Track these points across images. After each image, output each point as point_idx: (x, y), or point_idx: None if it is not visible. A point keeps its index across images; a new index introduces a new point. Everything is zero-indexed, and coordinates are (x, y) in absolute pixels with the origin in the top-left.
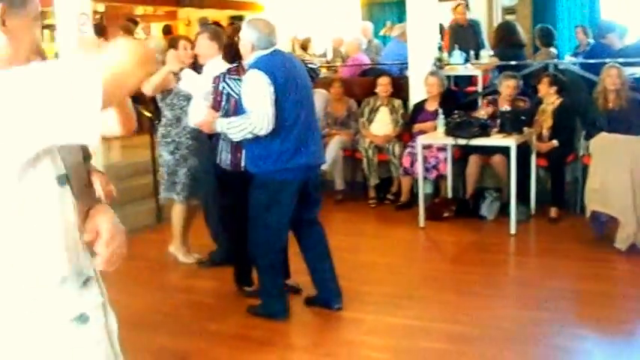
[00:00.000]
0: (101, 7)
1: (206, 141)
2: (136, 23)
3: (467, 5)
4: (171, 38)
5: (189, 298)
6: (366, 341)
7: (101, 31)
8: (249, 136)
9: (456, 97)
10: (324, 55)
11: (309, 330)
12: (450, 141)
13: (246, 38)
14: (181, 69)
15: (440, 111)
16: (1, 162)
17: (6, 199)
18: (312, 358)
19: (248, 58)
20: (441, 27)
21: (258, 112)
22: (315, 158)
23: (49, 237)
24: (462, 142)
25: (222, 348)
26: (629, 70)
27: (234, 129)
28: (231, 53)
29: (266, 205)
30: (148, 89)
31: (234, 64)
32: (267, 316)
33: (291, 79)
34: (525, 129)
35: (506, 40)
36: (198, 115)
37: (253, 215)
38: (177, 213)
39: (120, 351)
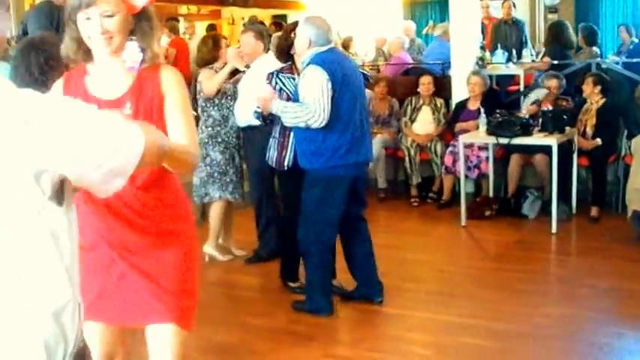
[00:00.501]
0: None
1: (258, 139)
2: (177, 21)
3: (513, 3)
4: (212, 38)
5: (235, 293)
6: (409, 337)
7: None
8: (302, 125)
9: (499, 96)
10: (365, 54)
11: (352, 325)
12: (491, 140)
13: (305, 34)
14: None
15: (482, 110)
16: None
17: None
18: (357, 352)
19: (304, 54)
20: (483, 26)
21: (316, 104)
22: (367, 156)
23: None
24: (503, 141)
25: (267, 342)
26: None
27: (289, 114)
28: (286, 52)
29: (319, 202)
30: (212, 88)
31: (288, 63)
32: (313, 312)
33: (347, 77)
34: (567, 128)
35: (558, 39)
36: (260, 91)
37: (306, 211)
38: (218, 212)
39: None
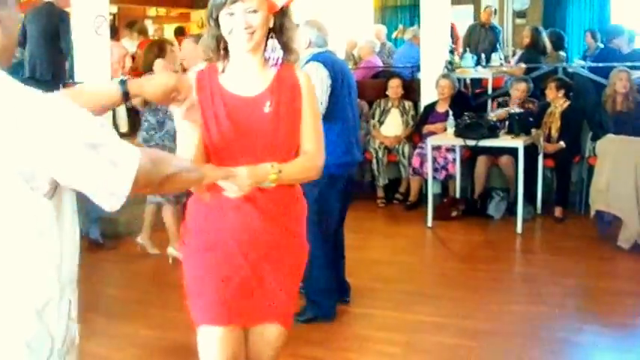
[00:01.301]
0: (114, 9)
1: None
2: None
3: (495, 10)
4: (158, 45)
5: None
6: (378, 336)
7: (113, 32)
8: None
9: (467, 99)
10: None
11: (321, 325)
12: (459, 142)
13: (305, 35)
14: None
15: (450, 112)
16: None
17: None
18: (325, 352)
19: (302, 54)
20: (452, 30)
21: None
22: (359, 156)
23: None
24: (470, 143)
25: None
26: (636, 74)
27: None
28: None
29: (320, 201)
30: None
31: None
32: (317, 320)
33: (345, 77)
34: (533, 131)
35: (535, 45)
36: None
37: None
38: (170, 215)
39: None
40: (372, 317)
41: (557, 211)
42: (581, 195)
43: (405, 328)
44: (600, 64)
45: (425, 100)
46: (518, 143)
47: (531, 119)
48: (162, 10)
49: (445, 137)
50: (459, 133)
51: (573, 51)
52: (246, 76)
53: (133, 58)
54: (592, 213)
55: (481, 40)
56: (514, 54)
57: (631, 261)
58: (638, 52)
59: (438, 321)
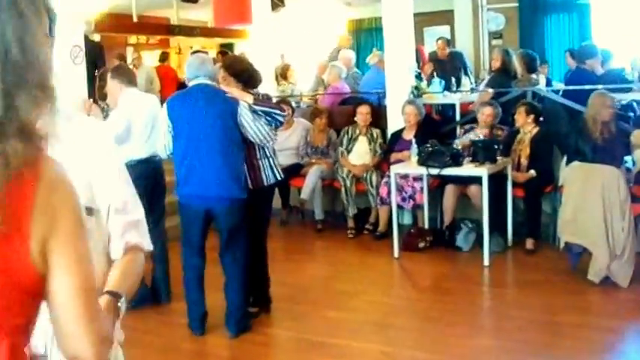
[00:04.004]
0: (97, 37)
1: None
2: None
3: (448, 41)
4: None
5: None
6: None
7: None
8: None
9: (436, 126)
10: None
11: (284, 354)
12: (422, 170)
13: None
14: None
15: (413, 140)
16: None
17: None
18: None
19: None
20: (418, 54)
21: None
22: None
23: None
24: (433, 171)
25: None
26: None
27: None
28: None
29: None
30: None
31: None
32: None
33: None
34: (499, 158)
35: (504, 68)
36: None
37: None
38: None
39: None
40: (334, 347)
41: (529, 243)
42: (555, 226)
43: (365, 358)
44: (570, 88)
45: (392, 127)
46: (482, 172)
47: (496, 146)
48: (142, 38)
49: (409, 166)
50: (422, 162)
51: (554, 73)
52: None
53: None
54: (561, 245)
55: (446, 67)
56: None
57: (600, 295)
58: (612, 73)
59: (396, 352)
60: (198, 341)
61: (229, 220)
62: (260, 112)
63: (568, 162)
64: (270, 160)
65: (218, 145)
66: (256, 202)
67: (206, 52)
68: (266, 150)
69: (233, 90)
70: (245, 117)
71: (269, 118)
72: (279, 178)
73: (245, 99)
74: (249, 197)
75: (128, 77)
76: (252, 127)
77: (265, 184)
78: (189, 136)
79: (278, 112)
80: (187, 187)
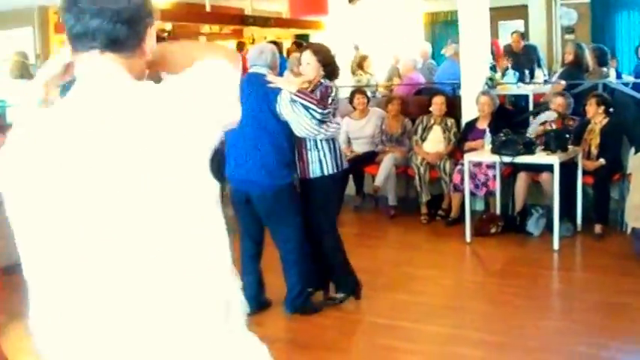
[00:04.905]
0: (169, 26)
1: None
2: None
3: (522, 34)
4: None
5: None
6: (401, 346)
7: None
8: None
9: (509, 116)
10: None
11: (345, 335)
12: (496, 159)
13: None
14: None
15: (487, 130)
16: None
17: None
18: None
19: None
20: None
21: None
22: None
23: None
24: (506, 159)
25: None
26: None
27: None
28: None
29: None
30: None
31: None
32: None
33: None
34: (570, 147)
35: (576, 62)
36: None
37: None
38: None
39: None
40: (399, 329)
41: (597, 228)
42: (622, 212)
43: (430, 339)
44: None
45: (466, 117)
46: (554, 160)
47: (568, 136)
48: (215, 28)
49: (482, 154)
50: (495, 150)
51: (624, 67)
52: None
53: None
54: (628, 230)
55: (520, 59)
56: None
57: None
58: None
59: (463, 333)
60: (257, 322)
61: (262, 206)
62: (299, 104)
63: (636, 151)
64: (321, 153)
65: (252, 131)
66: (312, 190)
67: (280, 43)
68: (318, 142)
69: (278, 79)
70: (283, 107)
71: (308, 112)
72: (326, 173)
73: (289, 89)
74: (302, 185)
75: None
76: (291, 117)
77: (311, 176)
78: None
79: (315, 107)
80: (229, 169)
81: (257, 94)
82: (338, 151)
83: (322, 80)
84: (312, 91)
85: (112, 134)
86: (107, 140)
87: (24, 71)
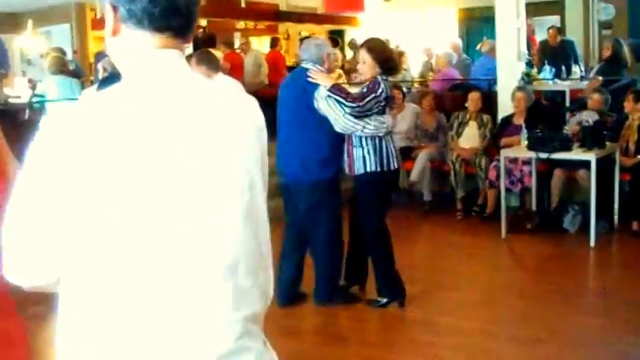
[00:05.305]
0: (203, 22)
1: None
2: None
3: (559, 29)
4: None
5: None
6: (437, 341)
7: (209, 43)
8: None
9: (545, 112)
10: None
11: (381, 329)
12: (532, 155)
13: None
14: None
15: (523, 126)
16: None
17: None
18: (383, 353)
19: None
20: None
21: None
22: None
23: None
24: (542, 156)
25: (302, 343)
26: None
27: None
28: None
29: None
30: None
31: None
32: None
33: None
34: (608, 144)
35: (614, 57)
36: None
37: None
38: None
39: None
40: (434, 324)
41: (635, 225)
42: None
43: (465, 334)
44: None
45: (502, 113)
46: (591, 157)
47: (605, 132)
48: (250, 23)
49: (518, 150)
50: (531, 146)
51: None
52: None
53: None
54: None
55: (556, 54)
56: None
57: None
58: None
59: (498, 329)
60: (293, 315)
61: (299, 198)
62: (334, 100)
63: None
64: (365, 150)
65: (292, 126)
66: (357, 187)
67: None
68: (363, 139)
69: (317, 74)
70: (320, 102)
71: (340, 107)
72: (368, 170)
73: (325, 84)
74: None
75: (214, 63)
76: (328, 112)
77: (355, 173)
78: (280, 116)
79: (344, 101)
80: (277, 161)
81: (298, 89)
82: (386, 150)
83: (377, 77)
84: (364, 86)
85: (188, 125)
86: (184, 131)
87: (62, 67)
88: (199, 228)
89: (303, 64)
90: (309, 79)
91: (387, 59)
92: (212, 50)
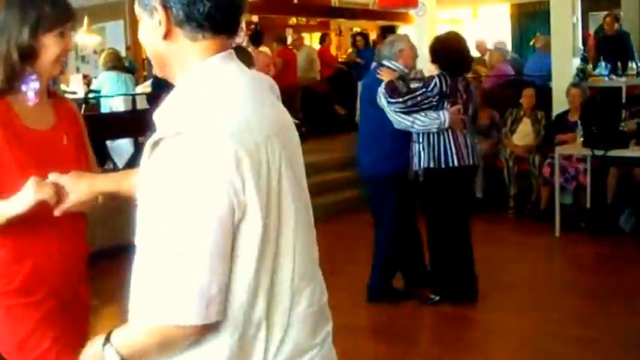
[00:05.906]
0: (255, 18)
1: None
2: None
3: (616, 17)
4: None
5: None
6: (490, 340)
7: (257, 40)
8: None
9: (600, 108)
10: None
11: (431, 326)
12: (587, 152)
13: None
14: None
15: (578, 122)
16: None
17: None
18: (438, 352)
19: None
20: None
21: None
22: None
23: None
24: (599, 153)
25: (350, 340)
26: None
27: None
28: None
29: None
30: None
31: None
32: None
33: None
34: None
35: None
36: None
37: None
38: None
39: None
40: (488, 322)
41: None
42: None
43: (519, 334)
44: None
45: (557, 109)
46: None
47: None
48: (302, 19)
49: (574, 147)
50: (587, 143)
51: None
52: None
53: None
54: None
55: (613, 48)
56: None
57: None
58: None
59: (552, 328)
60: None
61: (367, 192)
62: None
63: None
64: (420, 145)
65: (363, 121)
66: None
67: (367, 34)
68: (420, 135)
69: (384, 72)
70: (381, 99)
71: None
72: (422, 166)
73: (384, 80)
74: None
75: (249, 59)
76: (384, 109)
77: (414, 169)
78: (359, 112)
79: (389, 99)
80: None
81: (363, 87)
82: (442, 147)
83: (435, 73)
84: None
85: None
86: (287, 125)
87: (116, 62)
88: (310, 222)
89: (383, 62)
90: (377, 76)
91: (446, 59)
92: (261, 48)
